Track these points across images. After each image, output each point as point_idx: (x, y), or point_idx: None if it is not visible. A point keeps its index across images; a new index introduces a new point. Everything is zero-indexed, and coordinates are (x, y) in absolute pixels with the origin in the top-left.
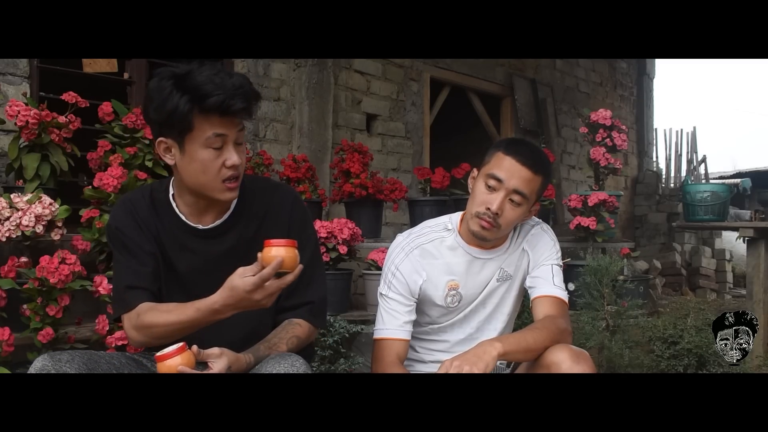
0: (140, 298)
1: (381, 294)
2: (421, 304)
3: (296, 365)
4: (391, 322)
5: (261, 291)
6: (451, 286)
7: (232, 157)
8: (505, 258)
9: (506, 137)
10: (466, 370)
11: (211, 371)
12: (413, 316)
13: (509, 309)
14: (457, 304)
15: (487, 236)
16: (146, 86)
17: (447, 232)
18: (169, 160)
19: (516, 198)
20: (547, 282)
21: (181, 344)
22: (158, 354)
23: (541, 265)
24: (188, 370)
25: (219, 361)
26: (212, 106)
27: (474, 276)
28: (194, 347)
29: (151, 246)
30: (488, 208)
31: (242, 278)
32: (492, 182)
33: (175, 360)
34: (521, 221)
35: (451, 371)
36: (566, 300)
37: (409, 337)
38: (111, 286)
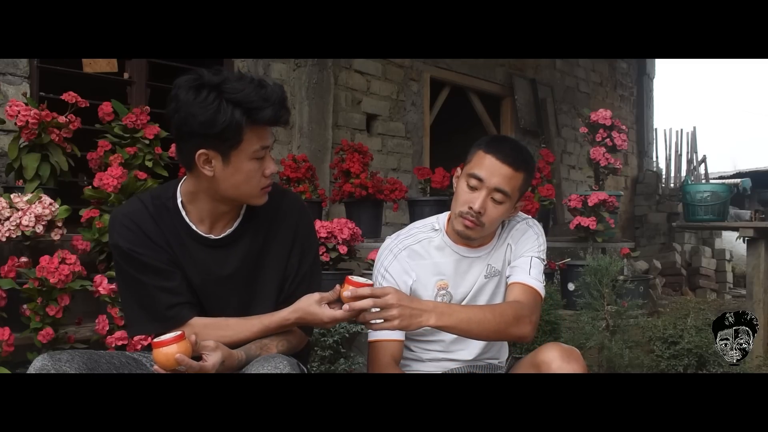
0: (187, 313)
1: None
2: None
3: (280, 366)
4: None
5: (335, 321)
6: (440, 286)
7: (271, 165)
8: (492, 255)
9: (489, 135)
10: (395, 324)
11: (205, 363)
12: None
13: None
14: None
15: (472, 235)
16: (146, 86)
17: (434, 232)
18: (207, 171)
19: (497, 196)
20: (523, 271)
21: (179, 333)
22: (156, 340)
23: (520, 256)
24: (186, 359)
25: (213, 354)
26: (265, 119)
27: (462, 275)
28: (192, 337)
29: (169, 255)
30: (471, 208)
31: (321, 306)
32: (473, 181)
33: (171, 348)
34: (506, 218)
35: (381, 316)
36: (539, 291)
37: (402, 338)
38: (115, 290)
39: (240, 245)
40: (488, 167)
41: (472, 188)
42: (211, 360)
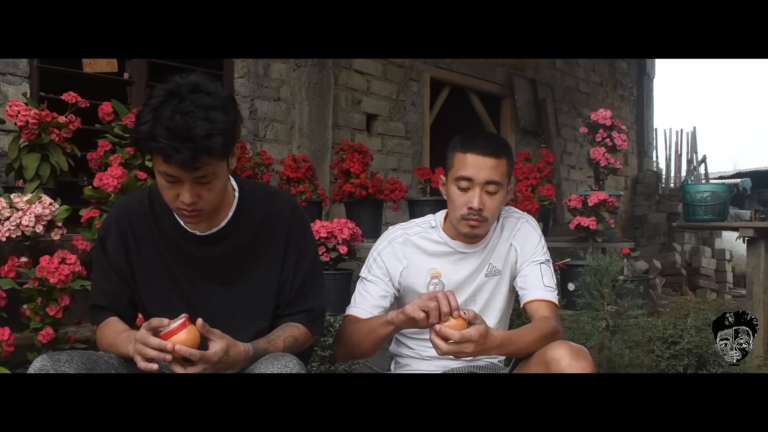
0: (102, 318)
1: (360, 277)
2: (407, 296)
3: (289, 366)
4: (362, 303)
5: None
6: (433, 275)
7: (184, 195)
8: (491, 252)
9: (459, 135)
10: (464, 355)
11: (206, 352)
12: (385, 303)
13: (501, 304)
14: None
15: (479, 233)
16: (146, 86)
17: (432, 228)
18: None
19: (491, 188)
20: (537, 282)
21: (182, 320)
22: (163, 333)
23: (529, 262)
24: (185, 349)
25: (218, 342)
26: (155, 150)
27: (455, 266)
28: (199, 320)
29: (123, 262)
30: (470, 208)
31: (149, 335)
32: (463, 183)
33: (179, 336)
34: (502, 206)
35: (450, 353)
36: (557, 301)
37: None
38: None
39: (225, 242)
40: (472, 165)
41: (464, 189)
42: (213, 348)
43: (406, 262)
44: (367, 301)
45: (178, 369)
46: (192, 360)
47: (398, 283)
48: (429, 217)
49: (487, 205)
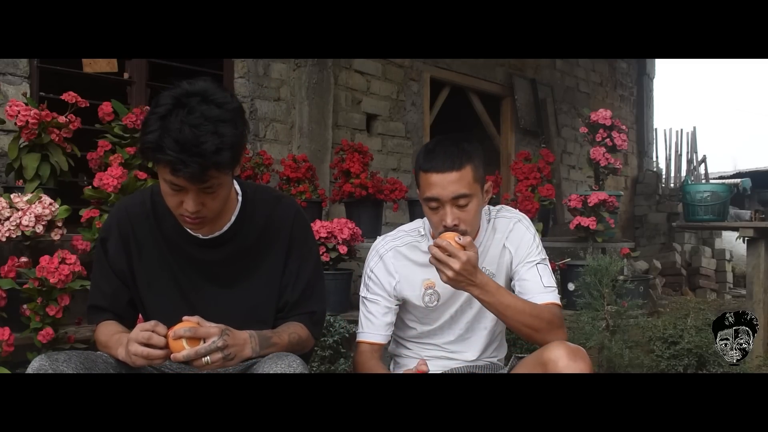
0: (100, 319)
1: (361, 297)
2: (406, 307)
3: (293, 365)
4: (369, 326)
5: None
6: (428, 285)
7: (188, 204)
8: (483, 256)
9: (422, 148)
10: (448, 274)
11: (208, 325)
12: (391, 318)
13: None
14: (435, 303)
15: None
16: (146, 86)
17: (421, 237)
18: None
19: (461, 201)
20: (537, 286)
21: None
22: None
23: (525, 263)
24: (181, 331)
25: (214, 323)
26: (162, 162)
27: None
28: (195, 317)
29: (124, 264)
30: (445, 225)
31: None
32: (432, 203)
33: (178, 325)
34: (482, 208)
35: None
36: (558, 301)
37: (385, 341)
38: None
39: (228, 246)
40: (435, 184)
41: (435, 209)
42: (210, 323)
43: (399, 276)
44: (374, 323)
45: (182, 355)
46: (196, 339)
47: (394, 296)
48: (418, 223)
49: (461, 218)
